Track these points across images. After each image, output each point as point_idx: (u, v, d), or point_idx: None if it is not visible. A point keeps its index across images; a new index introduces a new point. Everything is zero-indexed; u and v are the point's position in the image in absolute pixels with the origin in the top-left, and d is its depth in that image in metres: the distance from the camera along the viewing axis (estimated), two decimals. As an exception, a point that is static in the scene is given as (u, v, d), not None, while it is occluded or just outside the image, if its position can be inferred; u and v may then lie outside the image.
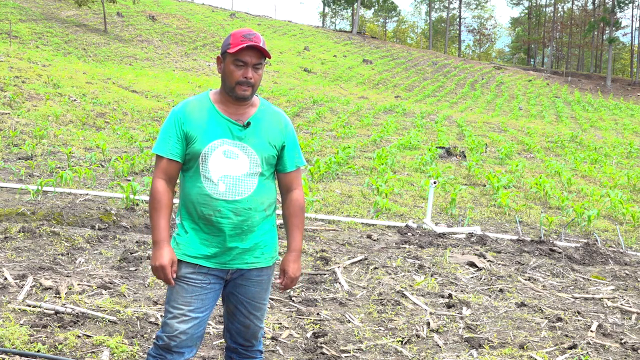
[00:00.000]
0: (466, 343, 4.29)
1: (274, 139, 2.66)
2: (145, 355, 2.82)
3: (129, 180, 9.77)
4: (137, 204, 8.16)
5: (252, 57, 2.54)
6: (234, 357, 2.87)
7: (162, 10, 51.58)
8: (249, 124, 2.61)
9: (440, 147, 17.84)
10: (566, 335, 4.52)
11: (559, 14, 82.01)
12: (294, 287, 5.26)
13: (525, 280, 5.99)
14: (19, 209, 7.09)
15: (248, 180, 2.60)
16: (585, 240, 8.07)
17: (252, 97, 2.66)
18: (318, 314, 4.67)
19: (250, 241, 2.64)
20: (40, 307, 4.27)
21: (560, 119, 34.96)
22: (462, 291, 5.49)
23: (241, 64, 2.54)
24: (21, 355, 3.58)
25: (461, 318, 4.77)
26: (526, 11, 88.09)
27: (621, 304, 5.36)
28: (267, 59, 2.64)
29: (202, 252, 2.61)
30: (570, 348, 4.28)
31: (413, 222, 8.49)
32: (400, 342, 4.24)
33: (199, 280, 2.62)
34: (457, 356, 4.08)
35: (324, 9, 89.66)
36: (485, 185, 12.68)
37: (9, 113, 15.11)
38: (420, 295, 5.27)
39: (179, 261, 2.63)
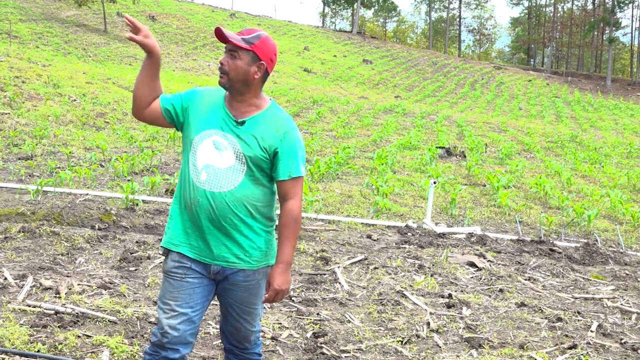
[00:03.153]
0: (466, 343, 4.29)
1: (265, 142, 2.60)
2: (143, 354, 2.83)
3: (129, 180, 9.76)
4: (137, 204, 8.16)
5: (226, 44, 2.62)
6: (231, 358, 2.88)
7: (162, 10, 51.60)
8: (243, 122, 2.61)
9: (440, 147, 17.83)
10: (566, 335, 4.53)
11: (558, 14, 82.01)
12: (294, 295, 5.26)
13: (525, 280, 5.99)
14: (19, 209, 7.09)
15: (231, 175, 2.58)
16: (585, 240, 8.07)
17: (242, 92, 2.62)
18: (318, 314, 4.67)
19: (231, 239, 2.61)
20: (40, 307, 4.27)
21: (560, 119, 34.96)
22: (462, 291, 5.49)
23: (225, 51, 2.64)
24: (21, 355, 3.58)
25: (461, 318, 4.77)
26: (526, 11, 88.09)
27: (621, 304, 5.36)
28: (258, 57, 2.59)
29: (185, 240, 2.65)
30: (570, 348, 4.28)
31: (413, 222, 8.49)
32: (400, 342, 4.24)
33: (183, 273, 2.63)
34: (457, 356, 4.08)
35: (323, 9, 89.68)
36: (485, 185, 12.68)
37: (9, 113, 15.11)
38: (420, 295, 5.27)
39: (167, 252, 2.68)
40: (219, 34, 2.57)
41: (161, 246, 2.72)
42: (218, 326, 4.26)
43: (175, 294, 2.62)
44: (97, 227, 6.80)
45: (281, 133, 2.64)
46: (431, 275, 5.86)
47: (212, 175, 2.58)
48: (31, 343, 3.74)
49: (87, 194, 8.62)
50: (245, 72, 2.58)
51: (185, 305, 2.61)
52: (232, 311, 2.74)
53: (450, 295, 5.26)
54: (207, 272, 2.66)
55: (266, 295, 2.67)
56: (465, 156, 17.27)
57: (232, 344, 2.84)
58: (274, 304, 4.81)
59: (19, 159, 11.38)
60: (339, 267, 5.91)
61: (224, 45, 2.63)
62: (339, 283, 5.45)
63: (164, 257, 2.73)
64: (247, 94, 2.64)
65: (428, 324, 4.59)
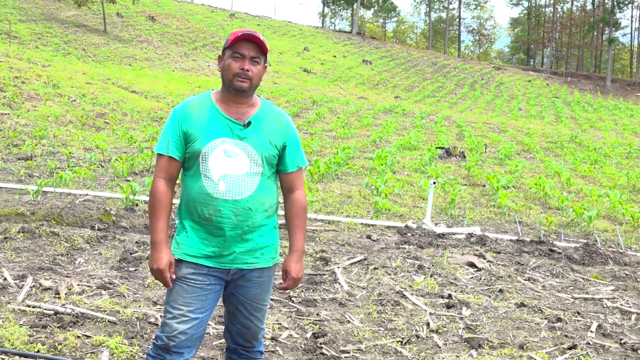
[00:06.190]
0: (466, 343, 4.29)
1: (274, 139, 2.65)
2: (145, 356, 2.82)
3: (129, 181, 9.77)
4: (137, 205, 8.16)
5: (250, 50, 2.57)
6: (234, 358, 2.86)
7: (161, 11, 51.59)
8: (249, 123, 2.61)
9: (439, 148, 17.84)
10: (566, 336, 4.53)
11: (558, 14, 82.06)
12: (294, 295, 5.26)
13: (525, 280, 5.99)
14: (18, 210, 7.09)
15: (249, 180, 2.59)
16: (585, 241, 8.07)
17: (251, 94, 2.65)
18: (318, 314, 4.67)
19: (250, 242, 2.63)
20: (39, 307, 4.27)
21: (560, 120, 34.98)
22: (461, 291, 5.49)
23: (238, 56, 2.57)
24: (21, 355, 3.58)
25: (461, 318, 4.77)
26: (526, 11, 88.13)
27: (621, 304, 5.36)
28: (266, 60, 2.65)
29: (203, 251, 2.60)
30: (569, 348, 4.28)
31: (413, 223, 8.49)
32: (400, 343, 4.24)
33: (199, 281, 2.61)
34: (457, 356, 4.08)
35: (323, 10, 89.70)
36: (484, 186, 12.68)
37: (8, 113, 15.11)
38: (420, 296, 5.27)
39: (180, 261, 2.62)
40: (249, 38, 2.55)
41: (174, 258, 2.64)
42: (218, 327, 4.27)
43: (188, 299, 2.60)
44: (96, 227, 6.80)
45: (284, 126, 2.70)
46: (431, 276, 5.86)
47: (231, 184, 2.56)
48: (31, 343, 3.74)
49: (87, 195, 8.62)
50: (261, 76, 2.65)
51: (197, 311, 2.61)
52: (242, 309, 2.73)
53: (449, 296, 5.26)
54: (225, 275, 2.66)
55: (284, 284, 2.76)
56: (464, 156, 17.27)
57: (239, 343, 2.83)
58: (273, 304, 4.82)
59: (19, 159, 11.37)
60: (338, 267, 5.91)
61: (232, 48, 2.58)
62: (339, 283, 5.45)
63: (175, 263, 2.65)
64: (251, 96, 2.67)
65: (428, 324, 4.59)
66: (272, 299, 4.90)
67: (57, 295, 4.55)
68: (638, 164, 18.73)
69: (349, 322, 4.59)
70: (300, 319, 4.56)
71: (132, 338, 3.97)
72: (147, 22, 46.51)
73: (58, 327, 4.01)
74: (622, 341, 4.45)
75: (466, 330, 4.53)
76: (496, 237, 8.00)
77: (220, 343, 4.00)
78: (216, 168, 2.57)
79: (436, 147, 17.72)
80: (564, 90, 51.63)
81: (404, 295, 5.24)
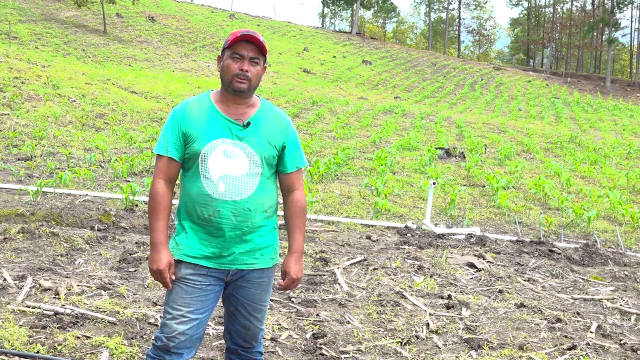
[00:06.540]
0: (465, 344, 4.29)
1: (274, 139, 2.65)
2: (145, 356, 2.82)
3: (129, 181, 9.77)
4: (137, 205, 8.16)
5: (249, 51, 2.57)
6: (233, 358, 2.86)
7: (161, 11, 51.60)
8: (249, 123, 2.61)
9: (439, 148, 17.84)
10: (565, 336, 4.53)
11: (558, 15, 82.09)
12: (293, 296, 5.26)
13: (525, 281, 5.99)
14: (18, 210, 7.09)
15: (248, 181, 2.59)
16: (585, 241, 8.07)
17: (251, 95, 2.65)
18: (317, 314, 4.67)
19: (250, 242, 2.63)
20: (39, 308, 4.27)
21: (560, 120, 34.98)
22: (461, 292, 5.49)
23: (238, 57, 2.57)
24: (20, 356, 3.58)
25: (460, 319, 4.77)
26: (525, 12, 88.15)
27: (620, 305, 5.36)
28: (266, 61, 2.65)
29: (202, 252, 2.60)
30: (569, 349, 4.28)
31: (412, 223, 8.49)
32: (399, 343, 4.25)
33: (199, 281, 2.61)
34: (457, 357, 4.08)
35: (323, 10, 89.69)
36: (484, 186, 12.68)
37: (8, 114, 15.10)
38: (420, 296, 5.27)
39: (179, 261, 2.62)
40: (248, 39, 2.55)
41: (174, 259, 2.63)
42: (217, 327, 4.27)
43: (187, 300, 2.60)
44: (96, 228, 6.80)
45: (284, 126, 2.70)
46: (430, 276, 5.86)
47: (230, 185, 2.56)
48: (30, 344, 3.74)
49: (87, 195, 8.62)
50: (261, 77, 2.65)
51: (197, 312, 2.61)
52: (242, 310, 2.73)
53: (449, 296, 5.26)
54: (224, 276, 2.65)
55: (283, 285, 2.75)
56: (464, 157, 17.28)
57: (238, 344, 2.83)
58: (273, 304, 4.82)
59: (19, 159, 11.37)
60: (338, 268, 5.91)
61: (231, 49, 2.58)
62: (339, 284, 5.45)
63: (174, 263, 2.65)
64: (251, 96, 2.67)
65: (427, 324, 4.59)
66: (271, 300, 4.90)
67: (57, 296, 4.55)
68: (638, 165, 18.74)
69: (348, 322, 4.59)
70: (300, 319, 4.56)
71: (132, 339, 3.97)
72: (147, 23, 46.51)
73: (58, 327, 4.01)
74: (622, 342, 4.45)
75: (466, 331, 4.53)
76: (496, 237, 8.00)
77: (220, 344, 4.00)
78: (215, 169, 2.56)
79: (436, 148, 17.72)
80: (564, 91, 51.64)
81: (404, 295, 5.24)
